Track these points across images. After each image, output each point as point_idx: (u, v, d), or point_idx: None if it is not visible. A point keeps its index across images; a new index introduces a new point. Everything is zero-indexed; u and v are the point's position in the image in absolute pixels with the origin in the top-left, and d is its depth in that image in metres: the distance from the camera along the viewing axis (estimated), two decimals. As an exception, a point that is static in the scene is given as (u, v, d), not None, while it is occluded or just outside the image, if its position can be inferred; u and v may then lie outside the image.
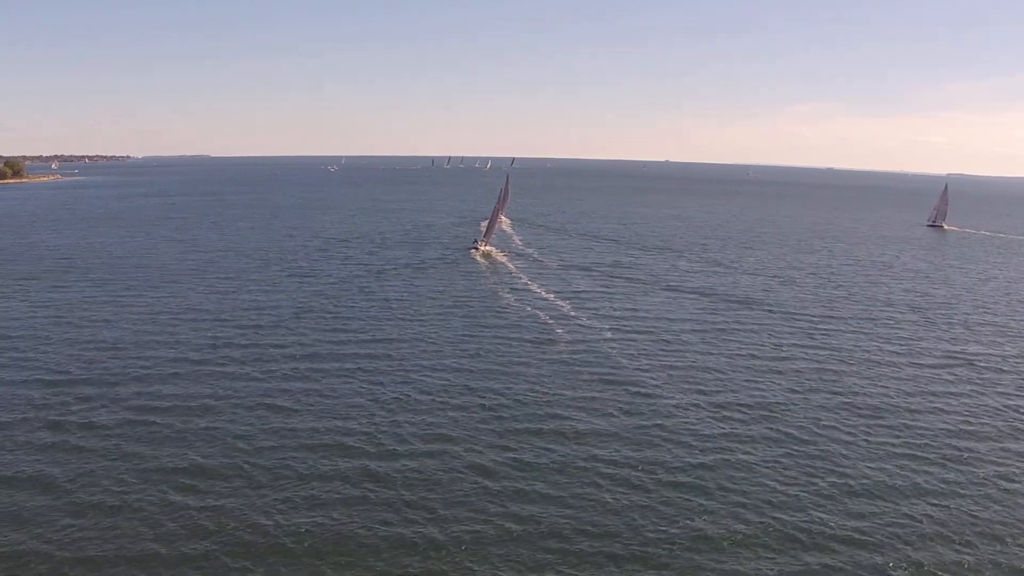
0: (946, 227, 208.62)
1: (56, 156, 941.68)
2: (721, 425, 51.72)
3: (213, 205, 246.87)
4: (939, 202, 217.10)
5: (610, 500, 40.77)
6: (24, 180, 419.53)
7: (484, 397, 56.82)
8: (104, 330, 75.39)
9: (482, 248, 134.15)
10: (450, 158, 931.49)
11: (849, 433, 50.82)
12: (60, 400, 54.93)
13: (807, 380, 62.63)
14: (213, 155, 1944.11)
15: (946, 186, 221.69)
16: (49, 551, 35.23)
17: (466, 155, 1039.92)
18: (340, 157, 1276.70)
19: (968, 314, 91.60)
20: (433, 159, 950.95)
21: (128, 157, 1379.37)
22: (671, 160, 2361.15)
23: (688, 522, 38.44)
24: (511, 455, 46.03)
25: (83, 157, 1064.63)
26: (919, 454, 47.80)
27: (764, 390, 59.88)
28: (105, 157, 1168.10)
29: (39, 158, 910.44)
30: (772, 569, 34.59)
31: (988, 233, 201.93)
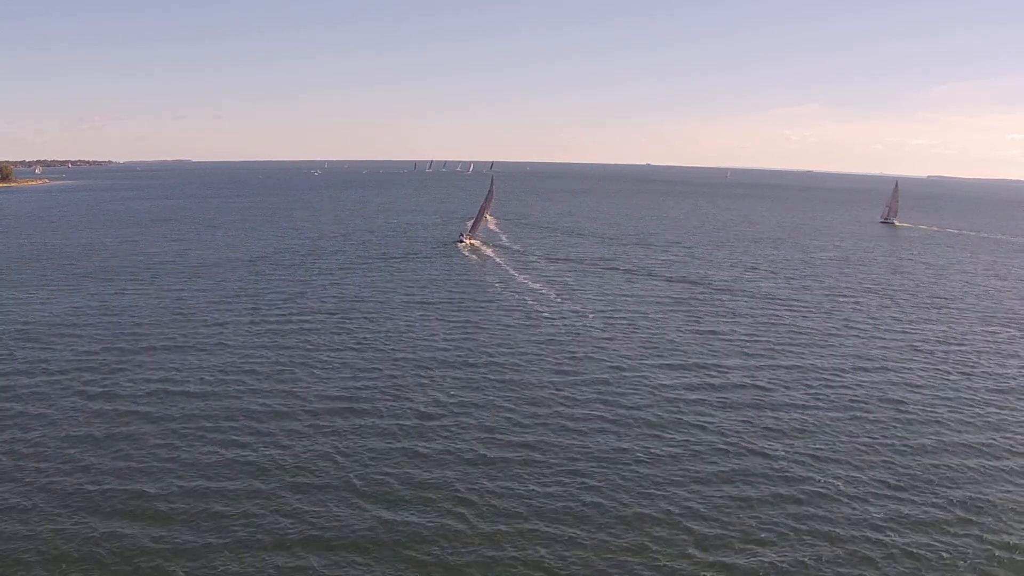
0: (897, 223, 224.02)
1: (39, 161, 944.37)
2: (691, 392, 59.85)
3: (205, 208, 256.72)
4: (891, 200, 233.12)
5: (593, 456, 47.81)
6: (12, 184, 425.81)
7: (476, 370, 65.12)
8: (128, 319, 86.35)
9: (468, 241, 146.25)
10: (432, 162, 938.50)
11: (806, 397, 59.23)
12: (89, 377, 62.82)
13: (772, 352, 72.20)
14: (194, 160, 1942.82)
15: (896, 184, 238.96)
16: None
17: (448, 159, 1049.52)
18: (322, 161, 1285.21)
19: (898, 292, 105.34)
20: (415, 163, 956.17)
21: (110, 162, 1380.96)
22: (652, 163, 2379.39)
23: (659, 479, 44.48)
24: (504, 421, 52.93)
25: (66, 162, 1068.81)
26: (872, 414, 56.13)
27: (733, 362, 68.54)
28: (87, 162, 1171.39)
29: (22, 163, 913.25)
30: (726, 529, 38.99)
31: (937, 229, 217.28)
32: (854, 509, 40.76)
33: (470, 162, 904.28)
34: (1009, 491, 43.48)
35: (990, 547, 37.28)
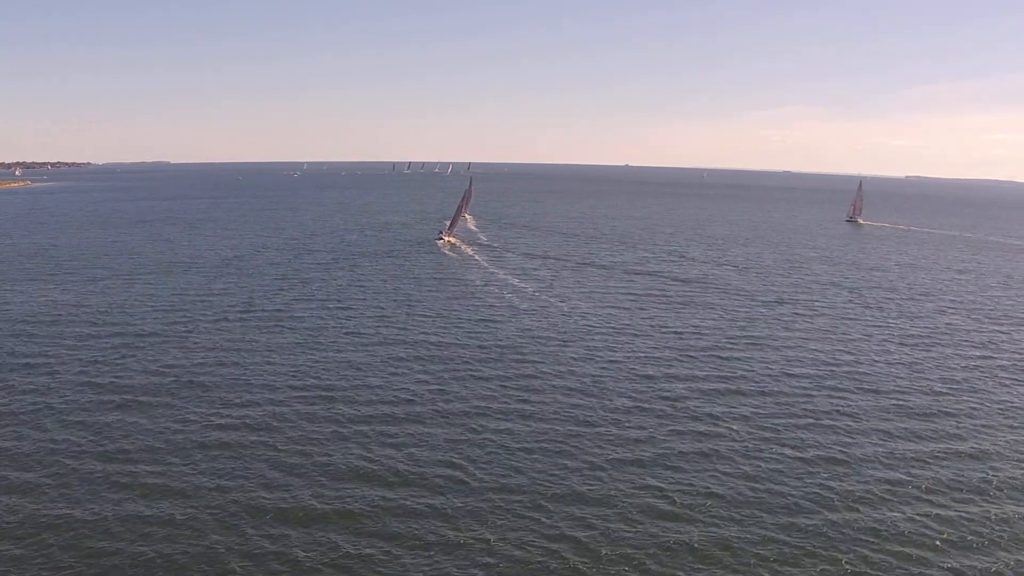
0: (861, 221, 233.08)
1: (18, 163, 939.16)
2: (661, 372, 65.84)
3: (189, 209, 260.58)
4: (855, 199, 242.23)
5: (569, 429, 55.10)
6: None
7: (456, 352, 71.03)
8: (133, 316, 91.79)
9: (446, 238, 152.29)
10: (410, 163, 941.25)
11: (767, 377, 65.28)
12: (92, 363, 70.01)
13: (737, 338, 78.51)
14: (173, 162, 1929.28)
15: (860, 184, 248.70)
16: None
17: (427, 160, 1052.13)
18: (302, 163, 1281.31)
19: (854, 284, 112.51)
20: (394, 164, 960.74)
21: (89, 164, 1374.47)
22: (630, 164, 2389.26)
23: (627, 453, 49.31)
24: (486, 398, 59.13)
25: (45, 163, 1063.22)
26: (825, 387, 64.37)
27: (702, 345, 75.17)
28: (66, 163, 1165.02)
29: (1, 165, 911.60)
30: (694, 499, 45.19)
31: (902, 227, 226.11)
32: (806, 475, 45.98)
33: (448, 163, 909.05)
34: (949, 456, 49.33)
35: (926, 502, 42.77)
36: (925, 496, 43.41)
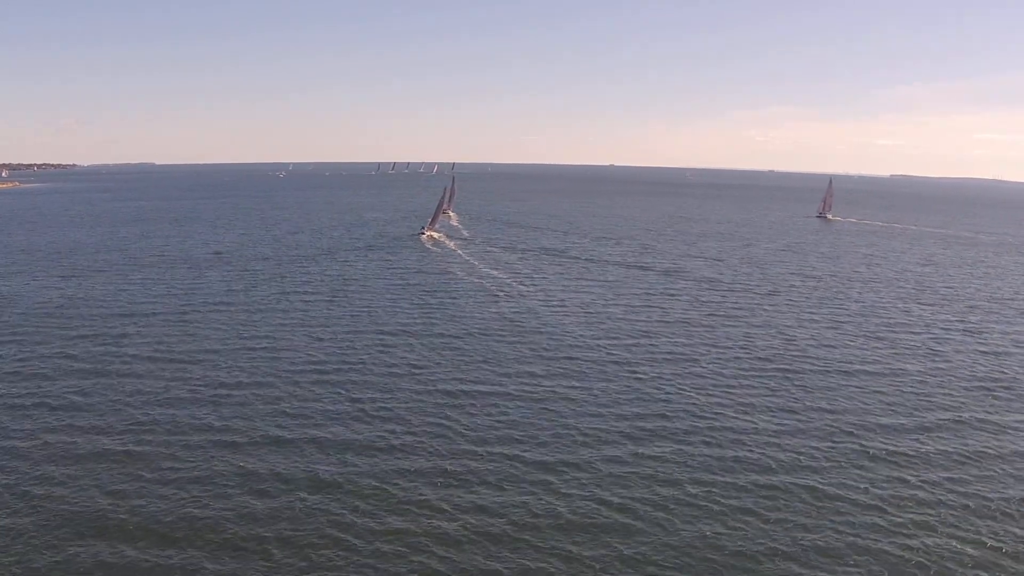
0: (830, 217, 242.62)
1: (5, 164, 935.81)
2: (630, 353, 70.23)
3: (179, 208, 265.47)
4: (826, 196, 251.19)
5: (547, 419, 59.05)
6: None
7: (439, 335, 75.80)
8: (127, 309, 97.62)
9: (428, 234, 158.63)
10: (395, 163, 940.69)
11: (730, 356, 69.76)
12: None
13: (706, 322, 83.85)
14: (159, 163, 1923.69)
15: (830, 181, 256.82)
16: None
17: (412, 160, 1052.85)
18: (287, 164, 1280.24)
19: (817, 274, 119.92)
20: (379, 164, 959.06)
21: (74, 165, 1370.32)
22: (616, 164, 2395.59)
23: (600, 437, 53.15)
24: (468, 388, 62.18)
25: (32, 165, 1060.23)
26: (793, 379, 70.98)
27: (672, 329, 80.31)
28: (52, 165, 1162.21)
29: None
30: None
31: (868, 222, 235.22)
32: (765, 444, 50.20)
33: (434, 164, 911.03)
34: (894, 421, 54.39)
35: (874, 461, 47.23)
36: (870, 460, 48.22)
